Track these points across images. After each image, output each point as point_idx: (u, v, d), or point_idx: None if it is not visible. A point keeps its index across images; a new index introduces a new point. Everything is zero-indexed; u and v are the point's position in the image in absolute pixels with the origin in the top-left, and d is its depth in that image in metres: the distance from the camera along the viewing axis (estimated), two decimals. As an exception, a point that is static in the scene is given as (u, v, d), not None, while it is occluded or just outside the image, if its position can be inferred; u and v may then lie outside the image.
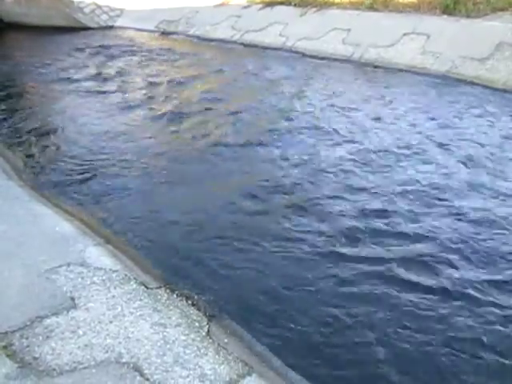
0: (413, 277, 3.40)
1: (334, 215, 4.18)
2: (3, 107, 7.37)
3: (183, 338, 2.69)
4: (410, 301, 3.17)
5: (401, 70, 8.70)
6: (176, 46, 11.51)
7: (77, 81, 8.77)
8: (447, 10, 9.58)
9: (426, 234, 3.88)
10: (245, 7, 12.55)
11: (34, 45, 12.29)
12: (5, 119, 6.83)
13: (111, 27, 13.92)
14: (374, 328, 2.96)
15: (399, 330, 2.94)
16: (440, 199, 4.42)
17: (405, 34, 9.33)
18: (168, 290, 3.15)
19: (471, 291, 3.24)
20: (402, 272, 3.44)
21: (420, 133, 5.99)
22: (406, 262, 3.55)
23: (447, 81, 8.04)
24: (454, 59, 8.38)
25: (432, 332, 2.92)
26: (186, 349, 2.60)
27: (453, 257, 3.60)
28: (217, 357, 2.59)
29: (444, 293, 3.24)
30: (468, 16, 9.25)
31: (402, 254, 3.63)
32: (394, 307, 3.12)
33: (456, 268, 3.48)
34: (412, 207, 4.29)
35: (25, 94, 8.29)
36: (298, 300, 3.21)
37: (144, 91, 8.03)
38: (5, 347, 2.51)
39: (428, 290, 3.27)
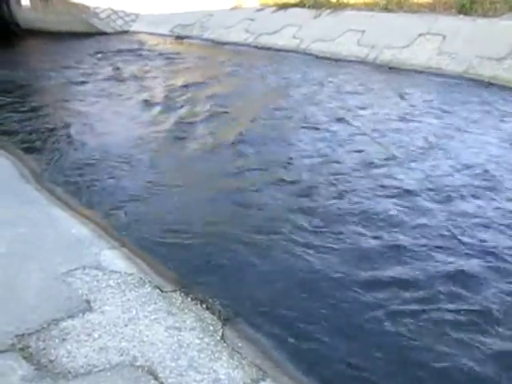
0: None
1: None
2: (22, 111, 7.48)
3: (197, 341, 2.68)
4: None
5: (416, 71, 8.62)
6: (190, 50, 11.59)
7: (94, 85, 8.88)
8: (463, 10, 9.48)
9: None
10: (258, 10, 12.59)
11: (52, 50, 12.48)
12: (23, 123, 6.93)
13: (126, 32, 14.10)
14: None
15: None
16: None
17: (420, 35, 9.25)
18: (182, 294, 3.15)
19: None
20: None
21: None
22: None
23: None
24: (471, 59, 8.27)
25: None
26: (200, 353, 2.60)
27: None
28: (231, 361, 2.58)
29: None
30: (485, 15, 9.14)
31: None
32: None
33: None
34: None
35: (43, 99, 8.42)
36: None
37: (159, 94, 8.10)
38: (22, 349, 2.53)
39: None
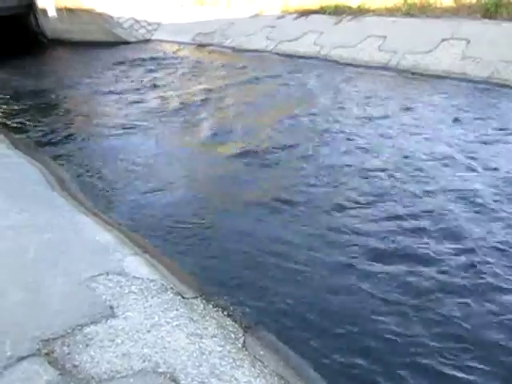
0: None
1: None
2: (48, 119, 7.68)
3: (219, 349, 2.68)
4: None
5: (439, 77, 8.49)
6: (212, 58, 11.70)
7: (118, 93, 9.04)
8: (488, 14, 9.31)
9: None
10: (279, 17, 12.63)
11: (78, 60, 12.78)
12: (49, 131, 7.11)
13: (148, 41, 14.31)
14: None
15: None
16: None
17: (443, 40, 9.12)
18: (204, 301, 3.16)
19: None
20: None
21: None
22: None
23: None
24: (496, 64, 8.11)
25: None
26: (221, 360, 2.59)
27: None
28: (252, 369, 2.56)
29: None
30: (511, 19, 8.96)
31: None
32: None
33: None
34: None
35: (68, 107, 8.62)
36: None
37: (181, 101, 8.19)
38: (47, 354, 2.57)
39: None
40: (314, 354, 2.83)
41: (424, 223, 4.09)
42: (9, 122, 7.63)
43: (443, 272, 3.48)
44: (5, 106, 8.60)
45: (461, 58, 8.61)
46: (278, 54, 11.38)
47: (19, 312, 2.90)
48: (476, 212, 4.22)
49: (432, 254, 3.67)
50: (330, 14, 11.65)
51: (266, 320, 3.08)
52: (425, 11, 10.30)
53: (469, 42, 8.81)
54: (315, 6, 12.14)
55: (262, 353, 2.74)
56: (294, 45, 11.32)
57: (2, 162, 5.64)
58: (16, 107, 8.45)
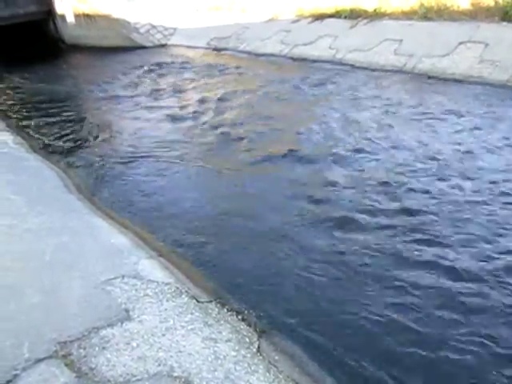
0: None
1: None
2: (66, 124, 7.78)
3: (234, 353, 2.68)
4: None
5: (456, 80, 8.39)
6: (226, 62, 11.73)
7: (134, 97, 9.12)
8: (507, 17, 9.17)
9: None
10: (294, 21, 12.63)
11: (96, 64, 12.97)
12: (66, 135, 7.20)
13: (165, 45, 14.44)
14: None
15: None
16: None
17: (461, 43, 9.01)
18: (219, 304, 3.16)
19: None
20: None
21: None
22: None
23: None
24: (516, 67, 7.99)
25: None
26: (236, 365, 2.59)
27: None
28: (267, 374, 2.55)
29: None
30: (530, 22, 8.81)
31: None
32: None
33: None
34: None
35: (87, 111, 8.73)
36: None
37: (196, 106, 8.22)
38: (64, 356, 2.60)
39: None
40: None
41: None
42: (28, 126, 7.75)
43: None
44: (24, 110, 8.75)
45: (478, 62, 8.49)
46: (292, 58, 11.36)
47: (36, 314, 2.93)
48: None
49: None
50: (345, 17, 11.59)
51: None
52: (442, 14, 10.19)
53: (487, 45, 8.69)
54: (330, 9, 12.11)
55: (276, 358, 2.72)
56: (309, 49, 11.30)
57: (21, 165, 5.73)
58: (35, 111, 8.59)
